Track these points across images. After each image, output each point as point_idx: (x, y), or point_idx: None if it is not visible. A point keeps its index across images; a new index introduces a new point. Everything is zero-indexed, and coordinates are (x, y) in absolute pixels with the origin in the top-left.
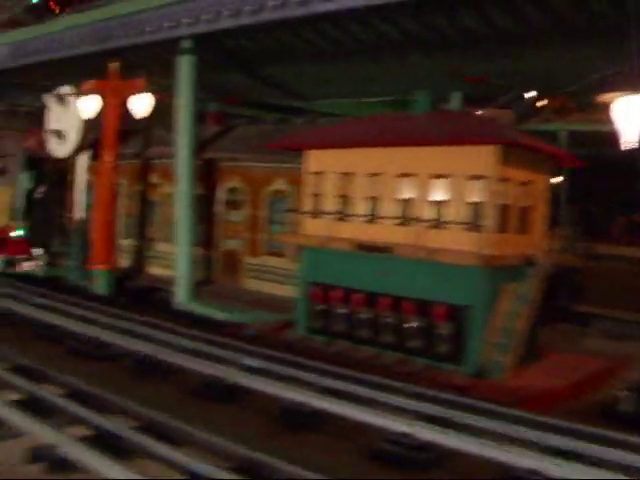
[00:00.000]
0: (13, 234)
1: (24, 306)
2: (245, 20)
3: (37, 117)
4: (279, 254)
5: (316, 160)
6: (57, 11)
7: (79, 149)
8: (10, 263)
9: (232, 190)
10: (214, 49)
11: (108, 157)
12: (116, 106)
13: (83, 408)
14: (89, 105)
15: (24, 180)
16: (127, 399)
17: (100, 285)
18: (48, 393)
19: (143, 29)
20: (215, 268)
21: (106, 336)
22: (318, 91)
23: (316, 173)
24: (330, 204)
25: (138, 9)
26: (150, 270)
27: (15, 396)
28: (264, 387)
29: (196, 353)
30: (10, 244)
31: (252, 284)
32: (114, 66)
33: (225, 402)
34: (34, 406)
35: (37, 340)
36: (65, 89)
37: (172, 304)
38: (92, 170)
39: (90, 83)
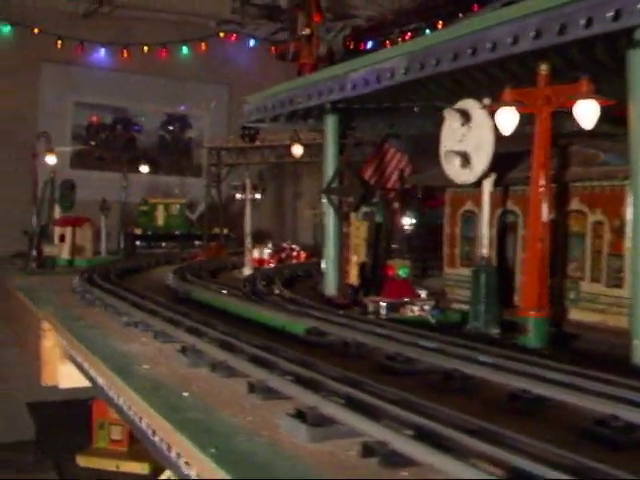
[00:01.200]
0: (401, 273)
1: (473, 366)
2: None
3: (377, 146)
4: None
5: None
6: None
7: (486, 173)
8: (393, 307)
9: None
10: None
11: (540, 180)
12: (547, 117)
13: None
14: (508, 119)
15: (375, 214)
16: None
17: (533, 336)
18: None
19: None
20: None
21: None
22: None
23: None
24: None
25: None
26: (573, 315)
27: None
28: None
29: None
30: (393, 285)
31: None
32: (544, 69)
33: None
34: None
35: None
36: (468, 103)
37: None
38: (493, 198)
39: (511, 92)
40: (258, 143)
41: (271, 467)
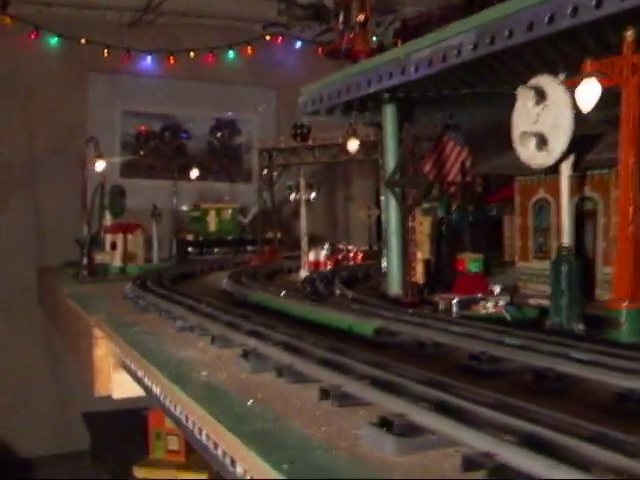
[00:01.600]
0: (472, 268)
1: (567, 363)
2: None
3: (435, 139)
4: None
5: None
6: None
7: (564, 155)
8: (466, 304)
9: None
10: None
11: (630, 158)
12: (635, 88)
13: None
14: (589, 92)
15: (438, 210)
16: None
17: (626, 329)
18: None
19: None
20: None
21: None
22: None
23: None
24: None
25: None
26: None
27: None
28: None
29: None
30: (464, 281)
31: None
32: (630, 35)
33: None
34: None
35: None
36: (543, 79)
37: None
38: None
39: (592, 63)
40: (310, 142)
41: None
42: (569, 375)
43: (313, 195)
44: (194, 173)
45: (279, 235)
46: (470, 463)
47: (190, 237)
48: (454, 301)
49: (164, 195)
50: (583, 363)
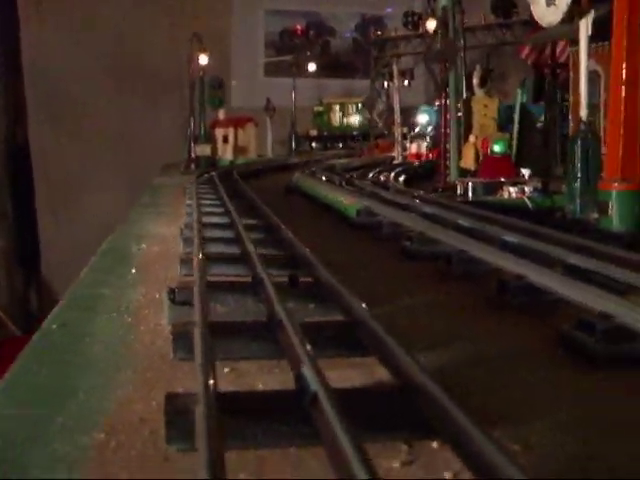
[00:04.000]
0: (496, 148)
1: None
2: None
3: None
4: None
5: None
6: None
7: (573, 11)
8: (488, 188)
9: None
10: None
11: (628, 15)
12: None
13: None
14: None
15: (518, 95)
16: None
17: (617, 215)
18: None
19: None
20: None
21: None
22: None
23: None
24: None
25: None
26: None
27: None
28: None
29: None
30: (489, 163)
31: None
32: None
33: None
34: None
35: None
36: None
37: None
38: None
39: None
40: (421, 30)
41: None
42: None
43: (406, 83)
44: (312, 66)
45: (404, 130)
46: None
47: (314, 132)
48: (470, 185)
49: (306, 92)
50: None
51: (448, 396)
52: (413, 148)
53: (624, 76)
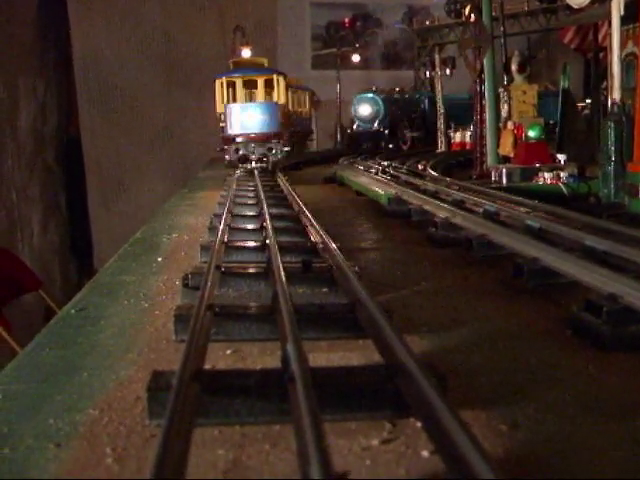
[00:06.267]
0: (531, 134)
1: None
2: None
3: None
4: None
5: None
6: None
7: None
8: (523, 174)
9: None
10: None
11: None
12: None
13: None
14: None
15: (561, 80)
16: None
17: None
18: None
19: None
20: None
21: None
22: None
23: None
24: None
25: None
26: None
27: None
28: None
29: None
30: (525, 149)
31: None
32: None
33: None
34: None
35: None
36: None
37: None
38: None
39: None
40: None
41: None
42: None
43: (448, 71)
44: (356, 58)
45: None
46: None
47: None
48: (504, 171)
49: (353, 84)
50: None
51: (424, 376)
52: (457, 137)
53: None
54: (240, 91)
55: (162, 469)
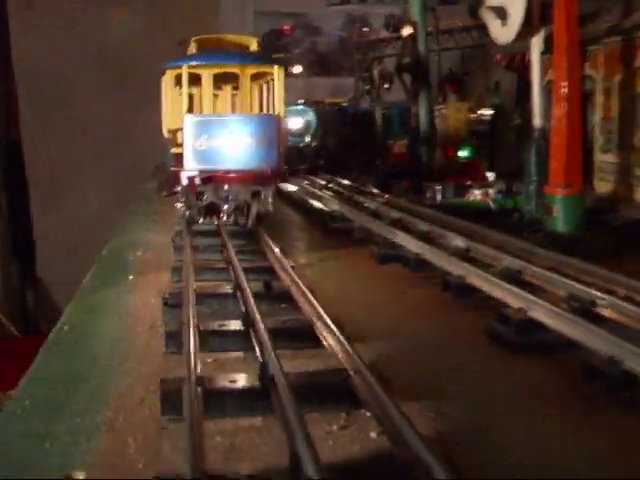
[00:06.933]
0: (461, 154)
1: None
2: None
3: None
4: None
5: None
6: None
7: (526, 30)
8: (457, 191)
9: None
10: None
11: (566, 39)
12: None
13: None
14: None
15: (491, 97)
16: None
17: (559, 218)
18: None
19: None
20: None
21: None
22: None
23: None
24: None
25: None
26: None
27: None
28: None
29: None
30: (458, 167)
31: None
32: None
33: None
34: None
35: None
36: None
37: None
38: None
39: None
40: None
41: None
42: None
43: (386, 86)
44: (297, 69)
45: None
46: None
47: None
48: (437, 188)
49: (296, 91)
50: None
51: (375, 380)
52: (396, 148)
53: (565, 93)
54: (208, 92)
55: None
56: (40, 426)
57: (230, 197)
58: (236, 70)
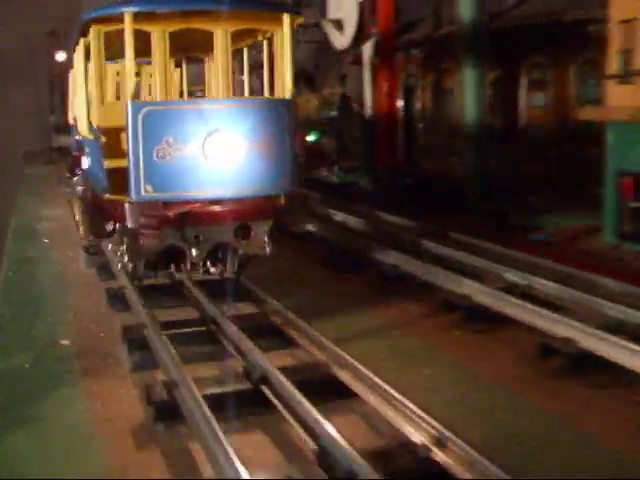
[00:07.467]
0: (309, 138)
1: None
2: None
3: None
4: None
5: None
6: None
7: (359, 39)
8: (308, 168)
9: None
10: None
11: (385, 49)
12: None
13: None
14: None
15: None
16: None
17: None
18: None
19: None
20: None
21: None
22: None
23: (625, 22)
24: None
25: None
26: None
27: None
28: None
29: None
30: (309, 149)
31: None
32: None
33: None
34: None
35: None
36: None
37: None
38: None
39: None
40: None
41: None
42: None
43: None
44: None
45: None
46: None
47: None
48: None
49: None
50: None
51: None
52: None
53: (386, 90)
54: (162, 62)
55: None
56: (25, 322)
57: (201, 238)
58: (209, 24)
